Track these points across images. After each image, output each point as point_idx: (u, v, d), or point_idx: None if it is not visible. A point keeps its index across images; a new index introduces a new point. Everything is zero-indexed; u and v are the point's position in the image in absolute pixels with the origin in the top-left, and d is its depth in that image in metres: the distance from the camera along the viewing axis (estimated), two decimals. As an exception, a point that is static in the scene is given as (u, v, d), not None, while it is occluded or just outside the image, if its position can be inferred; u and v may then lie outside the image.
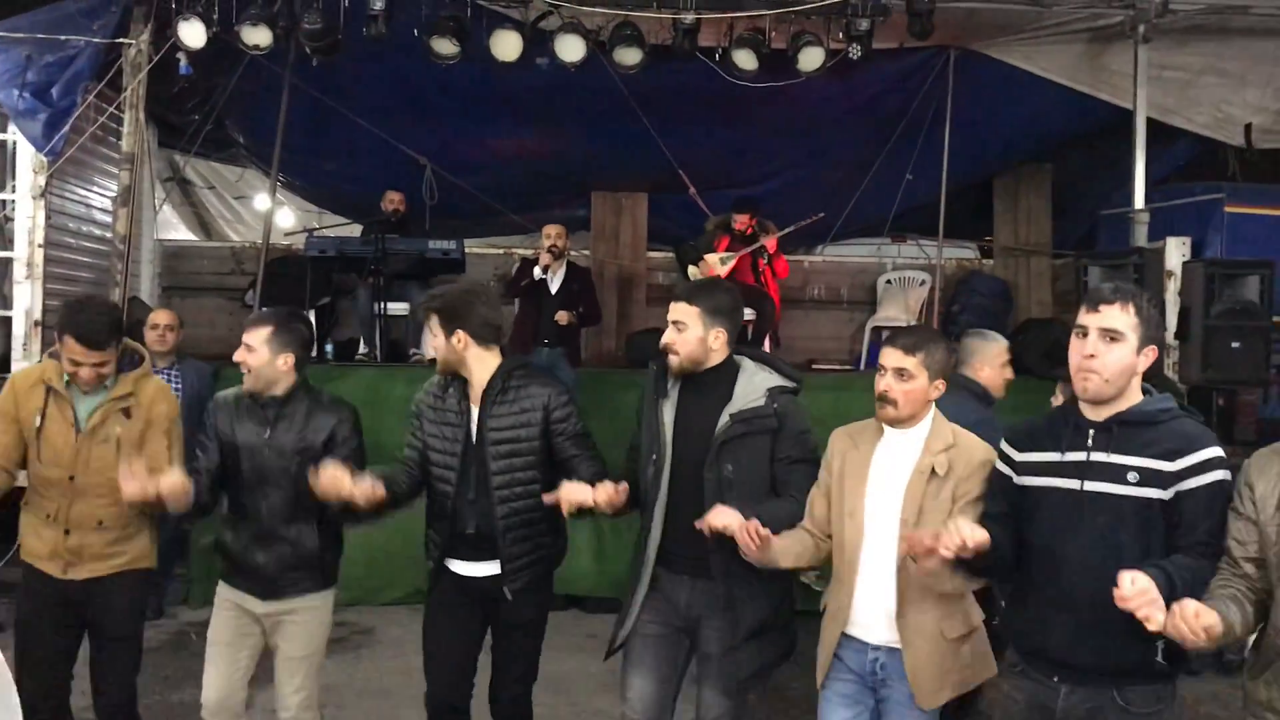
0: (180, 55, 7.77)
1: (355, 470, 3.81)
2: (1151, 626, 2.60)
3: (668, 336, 3.69)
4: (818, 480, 3.57)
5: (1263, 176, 9.07)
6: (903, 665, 3.34)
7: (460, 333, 3.87)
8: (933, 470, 3.32)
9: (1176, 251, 7.99)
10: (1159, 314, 3.08)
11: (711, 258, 8.71)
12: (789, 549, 3.44)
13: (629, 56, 8.06)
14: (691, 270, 8.89)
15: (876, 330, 10.39)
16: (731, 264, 8.68)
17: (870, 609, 3.39)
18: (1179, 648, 2.75)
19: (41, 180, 7.79)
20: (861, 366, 10.23)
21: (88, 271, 8.51)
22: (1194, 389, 7.47)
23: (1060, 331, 8.74)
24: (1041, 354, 8.73)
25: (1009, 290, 10.68)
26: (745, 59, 8.09)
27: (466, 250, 8.85)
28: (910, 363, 3.34)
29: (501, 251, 10.83)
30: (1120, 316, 2.95)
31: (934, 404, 3.45)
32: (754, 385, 3.66)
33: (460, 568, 4.01)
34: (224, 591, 4.19)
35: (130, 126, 7.90)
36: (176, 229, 11.96)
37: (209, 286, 10.45)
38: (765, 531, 3.28)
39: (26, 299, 7.80)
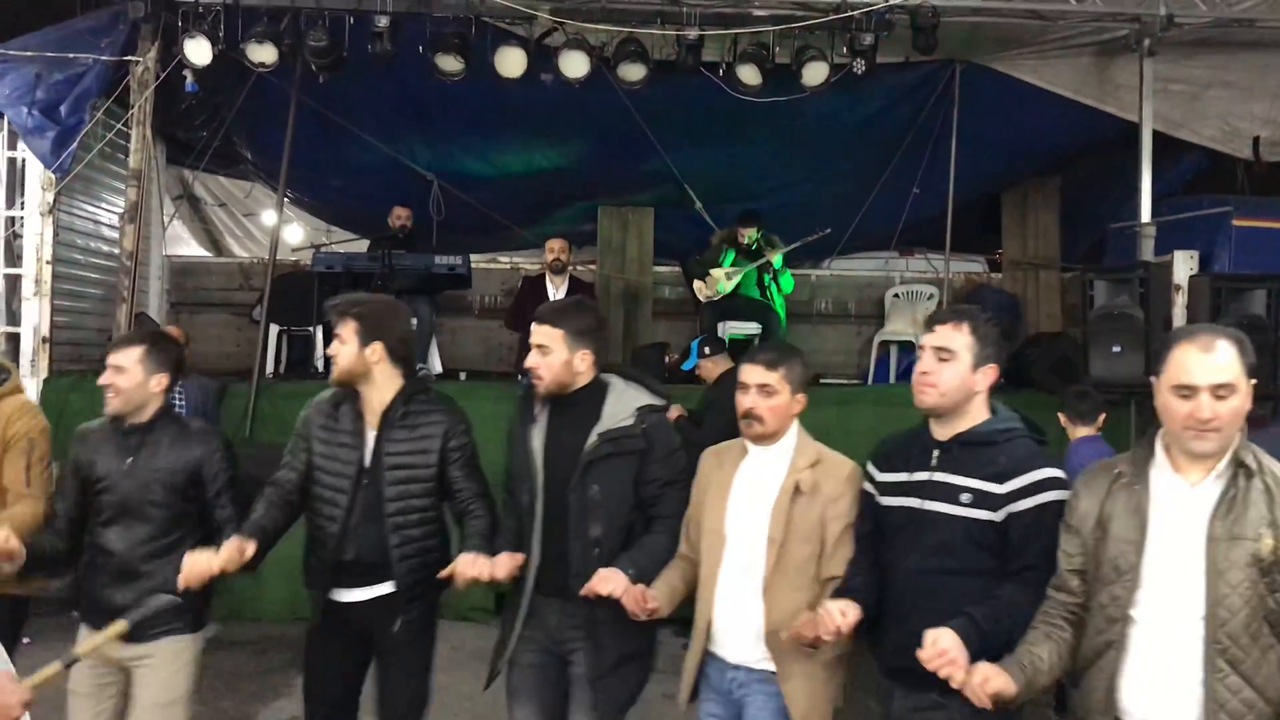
0: (186, 73, 7.81)
1: (226, 509, 3.74)
2: (954, 684, 2.70)
3: (531, 360, 3.58)
4: (691, 502, 3.54)
5: (1271, 189, 9.01)
6: (762, 684, 3.33)
7: (377, 345, 3.72)
8: (797, 488, 3.30)
9: (1184, 265, 7.95)
10: (998, 334, 3.14)
11: (717, 272, 8.71)
12: (674, 592, 3.43)
13: (633, 72, 8.08)
14: (697, 285, 8.90)
15: (884, 344, 10.38)
16: (737, 279, 8.68)
17: (732, 627, 3.36)
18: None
19: (50, 197, 7.85)
20: (869, 381, 10.19)
21: (95, 288, 8.56)
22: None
23: (1069, 346, 8.72)
24: (1049, 368, 8.70)
25: (1018, 304, 10.65)
26: (749, 74, 8.10)
27: (473, 265, 8.87)
28: (773, 378, 3.32)
29: (508, 265, 10.86)
30: (954, 336, 3.05)
31: (797, 420, 3.43)
32: (622, 404, 3.56)
33: (345, 595, 3.78)
34: (82, 635, 3.76)
35: (137, 143, 7.95)
36: (188, 245, 12.02)
37: (217, 302, 10.50)
38: (652, 596, 3.27)
39: (35, 315, 7.86)
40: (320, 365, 9.30)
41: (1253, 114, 8.89)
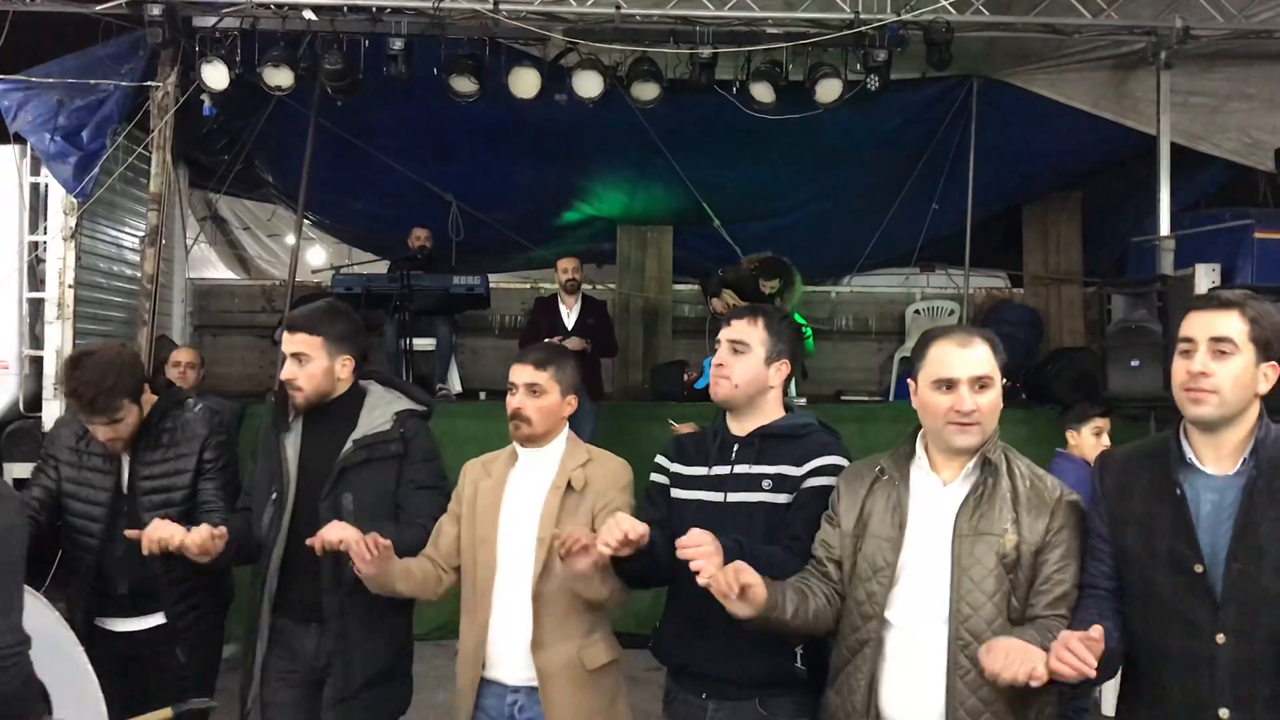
0: (204, 97, 7.90)
1: None
2: (700, 578, 2.63)
3: (288, 371, 3.45)
4: (447, 510, 3.41)
5: (1294, 202, 8.95)
6: (540, 705, 3.20)
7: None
8: (569, 485, 3.25)
9: (1205, 278, 7.86)
10: (793, 331, 3.24)
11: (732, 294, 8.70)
12: (410, 573, 3.23)
13: (647, 91, 8.10)
14: (714, 302, 8.89)
15: (905, 361, 10.32)
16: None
17: (508, 645, 3.23)
18: (820, 659, 2.95)
19: (72, 221, 7.93)
20: (890, 398, 10.15)
21: (118, 311, 8.64)
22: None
23: (1091, 361, 8.65)
24: (1071, 383, 8.65)
25: (1039, 319, 10.59)
26: (763, 91, 8.10)
27: (492, 285, 8.91)
28: (542, 378, 3.30)
29: (528, 286, 10.90)
30: (748, 330, 3.12)
31: (568, 422, 3.40)
32: (380, 411, 3.50)
33: (116, 624, 3.65)
34: None
35: (158, 168, 8.03)
36: (215, 267, 12.14)
37: (240, 325, 10.59)
38: (384, 541, 3.06)
39: (57, 339, 7.92)
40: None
41: (1274, 125, 8.79)
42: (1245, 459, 2.52)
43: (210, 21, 7.81)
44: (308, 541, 3.17)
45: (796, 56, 8.12)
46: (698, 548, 2.67)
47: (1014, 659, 2.41)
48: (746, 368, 3.11)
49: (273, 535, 3.43)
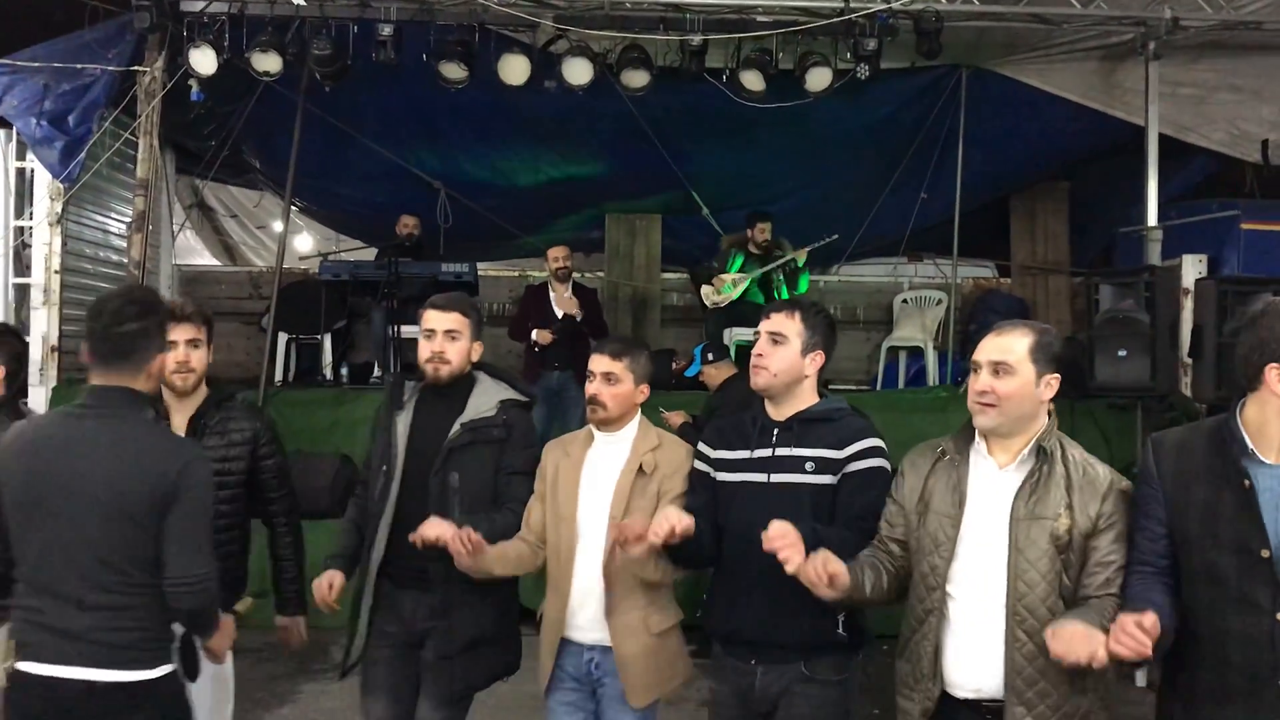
0: (192, 82, 7.87)
1: None
2: (789, 568, 2.87)
3: (438, 344, 3.67)
4: (534, 490, 3.65)
5: (1280, 193, 8.98)
6: (614, 662, 3.47)
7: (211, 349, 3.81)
8: (640, 468, 3.48)
9: (1192, 269, 7.92)
10: (827, 324, 3.40)
11: (725, 277, 8.71)
12: (505, 556, 3.49)
13: (637, 79, 8.09)
14: (705, 290, 8.89)
15: (893, 350, 10.35)
16: (744, 285, 8.68)
17: (585, 611, 3.49)
18: (858, 623, 3.26)
19: (58, 207, 7.91)
20: (878, 386, 10.18)
21: (104, 297, 8.60)
22: (1210, 409, 7.38)
23: (1078, 350, 8.68)
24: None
25: (1027, 308, 10.60)
26: (753, 80, 8.10)
27: (480, 273, 8.90)
28: (617, 367, 3.50)
29: (516, 274, 10.88)
30: (786, 323, 3.31)
31: (640, 409, 3.62)
32: (487, 397, 3.71)
33: None
34: None
35: (144, 153, 8.00)
36: (201, 254, 12.09)
37: (226, 311, 10.49)
38: (476, 537, 3.32)
39: (43, 324, 7.92)
40: (328, 373, 9.35)
41: (1261, 117, 8.84)
42: None
43: (198, 6, 7.80)
44: (410, 537, 3.41)
45: (786, 45, 8.14)
46: (783, 538, 2.89)
47: (1077, 643, 2.58)
48: (784, 358, 3.30)
49: (381, 505, 3.69)
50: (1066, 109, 8.92)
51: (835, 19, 7.76)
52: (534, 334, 8.07)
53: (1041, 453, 2.91)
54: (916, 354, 10.19)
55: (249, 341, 10.23)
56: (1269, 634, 2.62)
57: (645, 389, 3.57)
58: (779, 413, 3.33)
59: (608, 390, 3.49)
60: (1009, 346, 2.93)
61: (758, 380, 3.32)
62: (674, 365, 9.16)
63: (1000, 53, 8.78)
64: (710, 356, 7.30)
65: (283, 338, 9.18)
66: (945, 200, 9.69)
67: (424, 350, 3.71)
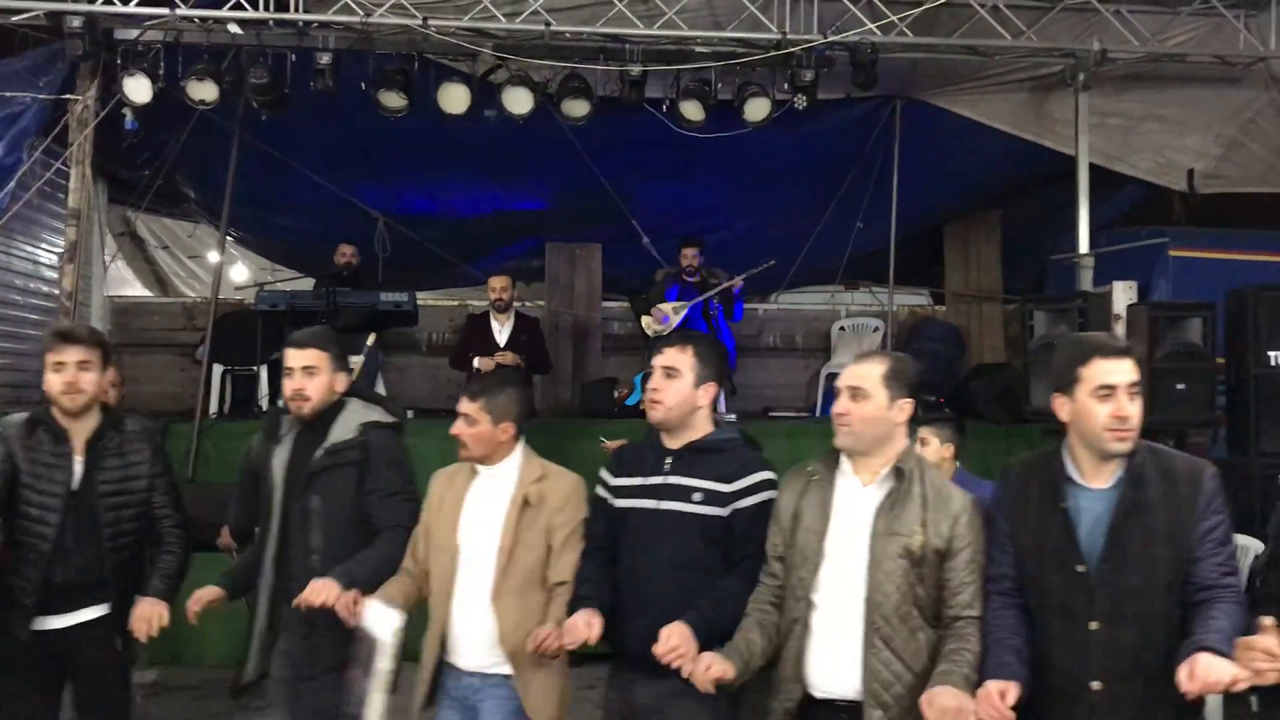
0: (126, 110, 7.75)
1: None
2: (683, 674, 3.10)
3: (298, 382, 3.77)
4: (420, 520, 3.74)
5: (1206, 220, 9.18)
6: (496, 687, 3.55)
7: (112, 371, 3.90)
8: (526, 500, 3.57)
9: (1123, 295, 8.06)
10: (719, 356, 3.62)
11: (664, 306, 8.73)
12: (392, 600, 3.53)
13: (577, 108, 8.12)
14: (646, 319, 8.90)
15: (831, 377, 10.42)
16: (683, 312, 8.70)
17: (467, 636, 3.56)
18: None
19: (-13, 237, 7.74)
20: (817, 413, 10.24)
21: (35, 329, 8.44)
22: (1144, 432, 7.51)
23: (1012, 376, 8.82)
24: (993, 399, 8.80)
25: (961, 335, 10.76)
26: (692, 110, 8.16)
27: (420, 302, 8.84)
28: (473, 409, 3.60)
29: (456, 303, 10.83)
30: (679, 357, 3.47)
31: (522, 440, 3.71)
32: (350, 422, 3.81)
33: (49, 622, 3.79)
34: None
35: (76, 183, 7.86)
36: (132, 285, 11.89)
37: (160, 343, 10.37)
38: (359, 599, 3.42)
39: (-28, 356, 7.73)
40: (265, 405, 9.23)
41: (1186, 147, 9.07)
42: (1119, 475, 2.96)
43: (132, 34, 7.69)
44: (294, 603, 3.51)
45: (725, 75, 8.21)
46: (674, 650, 3.08)
47: (949, 717, 2.80)
48: (678, 391, 3.46)
49: (264, 536, 3.83)
50: (998, 139, 9.08)
51: (773, 51, 7.85)
52: (475, 362, 8.02)
53: (900, 473, 3.14)
54: (855, 381, 10.27)
55: (183, 373, 10.08)
56: (1084, 642, 2.90)
57: (508, 427, 3.63)
58: (673, 441, 3.47)
59: (467, 431, 3.60)
60: (864, 373, 3.18)
61: (654, 414, 3.47)
62: (615, 394, 9.16)
63: (934, 84, 8.93)
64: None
65: (218, 369, 9.04)
66: (881, 229, 9.81)
67: (286, 389, 3.81)
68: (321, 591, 3.42)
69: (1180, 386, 7.26)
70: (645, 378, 7.25)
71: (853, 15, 7.85)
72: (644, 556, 3.39)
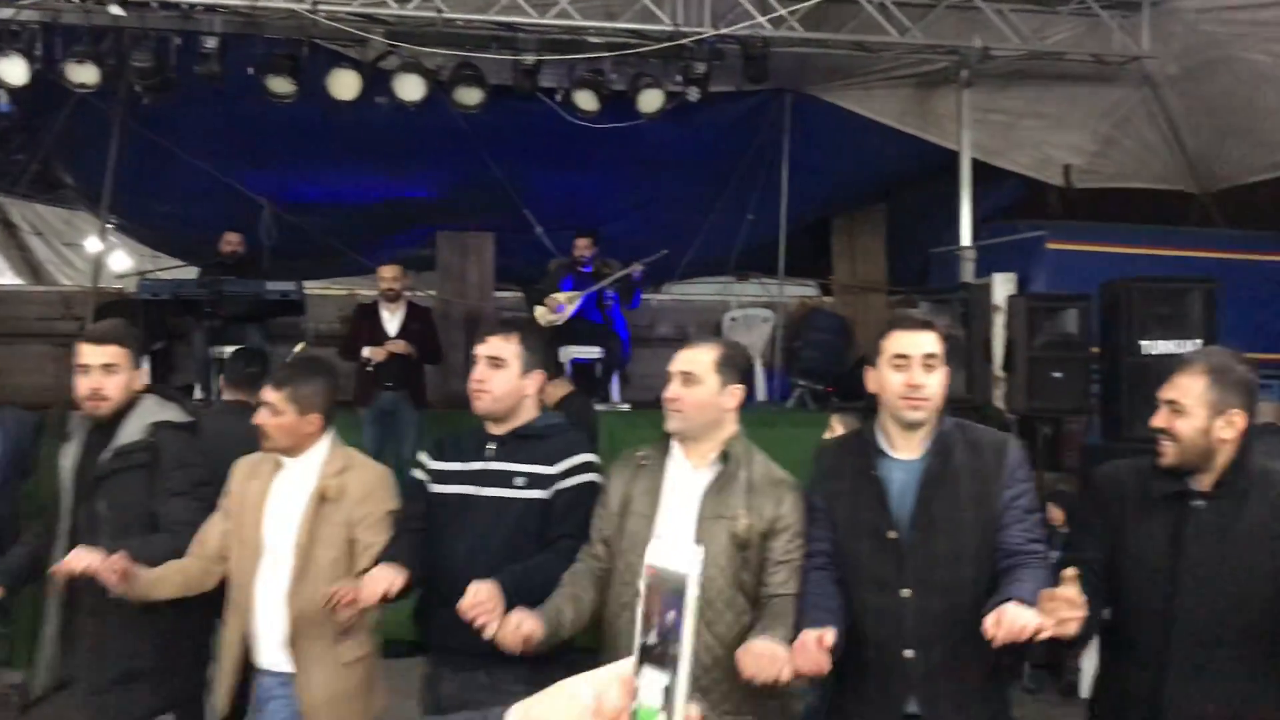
0: (1, 93, 7.50)
1: None
2: (486, 634, 2.94)
3: (94, 381, 3.51)
4: (217, 509, 3.58)
5: (1082, 214, 9.49)
6: (283, 686, 3.46)
7: None
8: (324, 495, 3.47)
9: (1002, 287, 8.32)
10: (544, 344, 3.63)
11: (558, 296, 8.73)
12: (165, 579, 3.37)
13: (470, 96, 8.08)
14: (538, 310, 8.89)
15: (723, 367, 10.53)
16: (577, 302, 8.72)
17: (266, 637, 3.48)
18: None
19: None
20: (708, 403, 10.35)
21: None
22: (1022, 419, 7.76)
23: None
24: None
25: (848, 326, 10.94)
26: (586, 100, 8.18)
27: (308, 291, 8.71)
28: (276, 398, 3.51)
29: (345, 292, 10.69)
30: (504, 346, 3.39)
31: (330, 432, 3.60)
32: (140, 421, 3.58)
33: None
34: None
35: (-54, 167, 7.59)
36: (2, 274, 11.49)
37: (36, 333, 10.02)
38: (124, 564, 3.17)
39: None
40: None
41: (1064, 143, 9.37)
42: (927, 446, 3.06)
43: (8, 13, 7.44)
44: (50, 570, 3.31)
45: (619, 66, 8.24)
46: (479, 606, 2.95)
47: (764, 663, 2.79)
48: (504, 381, 3.38)
49: (51, 540, 3.58)
50: (885, 133, 9.27)
51: (666, 43, 7.91)
52: (365, 351, 7.92)
53: (727, 457, 3.17)
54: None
55: (59, 364, 9.76)
56: (896, 610, 2.96)
57: (315, 418, 3.52)
58: (497, 428, 3.41)
59: (271, 421, 3.47)
60: (696, 359, 3.19)
61: (479, 405, 3.39)
62: (82, 394, 9.09)
63: (823, 78, 9.08)
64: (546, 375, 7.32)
65: (98, 360, 8.78)
66: (771, 221, 9.96)
67: (81, 388, 3.51)
68: (82, 558, 3.16)
69: (1056, 375, 7.52)
70: (538, 368, 7.29)
71: (744, 9, 7.94)
72: (461, 543, 3.32)
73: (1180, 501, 3.00)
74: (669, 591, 0.98)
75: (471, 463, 3.38)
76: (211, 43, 7.45)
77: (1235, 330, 8.07)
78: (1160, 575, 2.96)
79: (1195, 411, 2.95)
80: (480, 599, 2.96)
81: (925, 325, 3.14)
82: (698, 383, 3.15)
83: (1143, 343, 7.64)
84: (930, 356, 3.06)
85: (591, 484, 3.38)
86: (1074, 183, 9.40)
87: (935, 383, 3.07)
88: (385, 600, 3.13)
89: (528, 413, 3.44)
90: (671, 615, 0.98)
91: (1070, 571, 2.69)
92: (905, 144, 9.38)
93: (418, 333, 8.18)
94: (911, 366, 3.04)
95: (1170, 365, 3.08)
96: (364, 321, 8.32)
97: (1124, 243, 8.97)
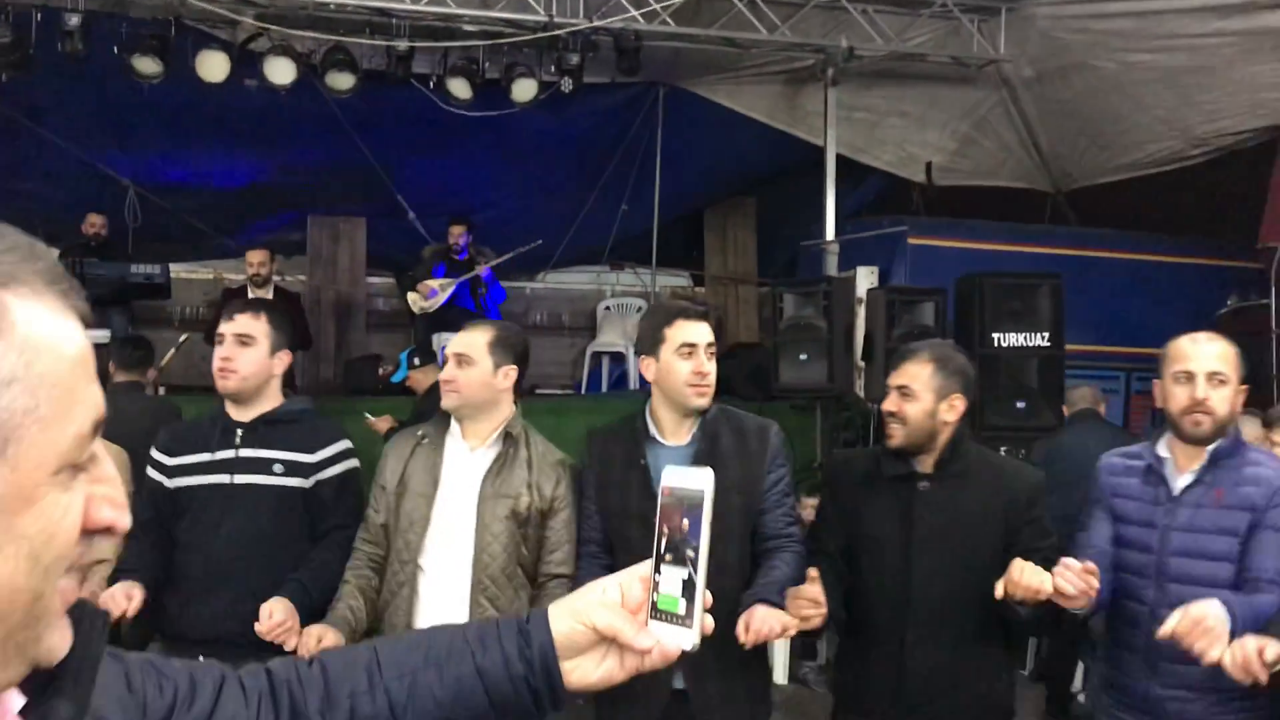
0: None
1: None
2: (269, 637, 3.01)
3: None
4: None
5: (942, 211, 9.80)
6: None
7: None
8: None
9: (865, 280, 8.56)
10: (291, 324, 3.69)
11: (431, 283, 8.75)
12: None
13: (342, 81, 8.01)
14: (411, 297, 8.91)
15: (597, 355, 10.67)
16: (450, 289, 8.75)
17: None
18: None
19: None
20: (583, 390, 10.47)
21: None
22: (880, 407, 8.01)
23: (764, 356, 9.23)
24: (747, 377, 9.19)
25: (719, 317, 11.18)
26: (459, 87, 8.19)
27: (174, 275, 8.57)
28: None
29: (211, 276, 10.53)
30: (252, 324, 3.41)
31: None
32: None
33: None
34: None
35: None
36: None
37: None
38: None
39: None
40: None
41: (925, 141, 9.66)
42: (695, 432, 3.24)
43: None
44: None
45: (493, 55, 8.26)
46: (279, 626, 3.01)
47: None
48: (253, 360, 3.39)
49: None
50: (754, 128, 9.44)
51: (540, 33, 7.95)
52: None
53: (508, 438, 3.29)
54: (619, 359, 10.56)
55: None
56: None
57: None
58: (243, 414, 3.41)
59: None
60: (470, 341, 3.33)
61: (227, 384, 3.38)
62: (380, 371, 9.13)
63: (695, 73, 9.21)
64: (417, 361, 7.36)
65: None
66: (645, 212, 10.10)
67: None
68: None
69: (914, 366, 7.79)
70: (411, 354, 7.32)
71: (618, 2, 8.03)
72: (218, 535, 3.29)
73: (908, 483, 3.22)
74: (686, 506, 1.14)
75: (220, 451, 3.35)
76: (75, 20, 7.25)
77: (1083, 324, 8.48)
78: (894, 553, 3.19)
79: (922, 396, 3.17)
80: (277, 619, 3.01)
81: (704, 315, 3.31)
82: (471, 364, 3.28)
83: (994, 335, 7.96)
84: (711, 346, 3.23)
85: (355, 470, 3.49)
86: (934, 180, 9.70)
87: (714, 370, 3.23)
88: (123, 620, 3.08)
89: (273, 397, 3.45)
90: (686, 523, 1.17)
91: (813, 572, 2.92)
92: (774, 139, 9.57)
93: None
94: (697, 354, 3.19)
95: (901, 354, 3.32)
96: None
97: (981, 239, 9.29)
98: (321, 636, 3.02)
